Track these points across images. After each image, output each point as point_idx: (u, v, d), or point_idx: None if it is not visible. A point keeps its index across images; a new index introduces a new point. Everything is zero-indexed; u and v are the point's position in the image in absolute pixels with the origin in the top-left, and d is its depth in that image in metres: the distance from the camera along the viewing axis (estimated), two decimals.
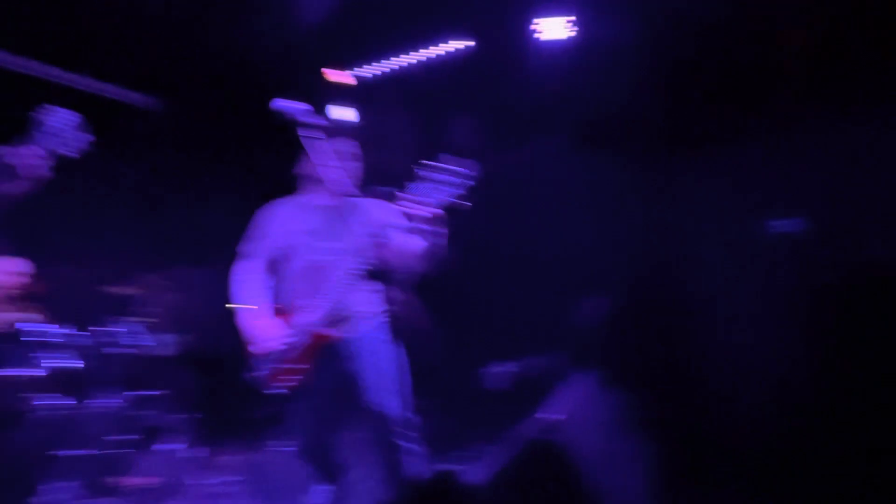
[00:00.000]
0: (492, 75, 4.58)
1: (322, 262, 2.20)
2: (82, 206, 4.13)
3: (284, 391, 2.20)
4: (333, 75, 4.86)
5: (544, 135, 4.38)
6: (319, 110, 4.91)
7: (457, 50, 4.72)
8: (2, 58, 3.83)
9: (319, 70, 4.86)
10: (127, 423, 2.81)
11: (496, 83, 4.58)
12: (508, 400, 3.78)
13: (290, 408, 2.29)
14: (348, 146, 2.34)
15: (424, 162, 2.01)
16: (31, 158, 1.44)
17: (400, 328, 3.21)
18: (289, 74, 4.52)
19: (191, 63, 4.56)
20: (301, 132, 1.78)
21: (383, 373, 2.23)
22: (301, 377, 2.18)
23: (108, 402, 2.82)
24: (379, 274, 2.33)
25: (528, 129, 4.56)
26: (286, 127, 1.86)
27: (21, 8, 3.58)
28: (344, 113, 5.00)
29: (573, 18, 4.21)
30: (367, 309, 2.29)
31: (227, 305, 2.35)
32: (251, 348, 2.21)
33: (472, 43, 4.67)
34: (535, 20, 4.23)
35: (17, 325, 2.64)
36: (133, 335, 3.18)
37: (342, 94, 4.92)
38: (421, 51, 4.80)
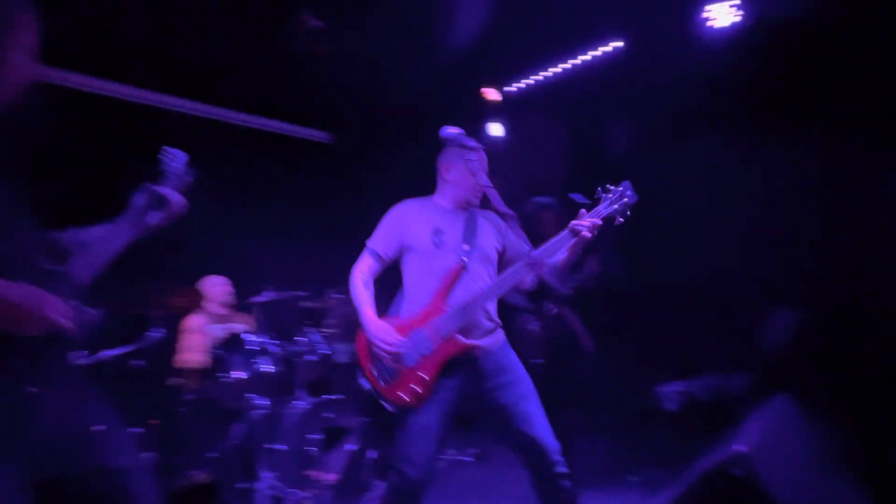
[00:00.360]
0: (654, 72, 4.32)
1: (453, 267, 2.03)
2: (272, 231, 4.79)
3: (400, 404, 1.93)
4: (490, 93, 4.99)
5: (716, 132, 4.00)
6: (478, 129, 5.10)
7: (614, 49, 4.55)
8: (189, 105, 4.59)
9: (475, 90, 5.02)
10: (312, 423, 3.10)
11: (659, 80, 4.31)
12: (681, 424, 3.48)
13: (405, 424, 1.97)
14: (499, 161, 2.33)
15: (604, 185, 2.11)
16: (170, 196, 1.58)
17: (550, 345, 3.12)
18: (446, 98, 4.75)
19: (357, 97, 5.03)
20: (460, 154, 1.82)
21: (527, 393, 2.03)
22: (424, 390, 1.91)
23: (297, 403, 3.15)
24: (525, 288, 2.21)
25: (697, 127, 4.20)
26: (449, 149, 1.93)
27: (202, 60, 4.22)
28: (499, 129, 5.11)
29: (738, 2, 3.82)
30: (498, 322, 2.13)
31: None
32: (373, 348, 1.97)
33: (629, 41, 4.46)
34: (706, 7, 3.91)
35: (241, 335, 3.13)
36: (315, 344, 3.52)
37: (500, 111, 5.03)
38: (578, 57, 4.72)
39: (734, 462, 1.70)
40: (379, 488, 3.25)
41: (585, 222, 1.98)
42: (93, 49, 3.90)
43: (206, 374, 3.26)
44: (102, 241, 1.42)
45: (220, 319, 3.72)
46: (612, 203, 2.06)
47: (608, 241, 3.30)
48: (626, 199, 2.07)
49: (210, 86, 4.62)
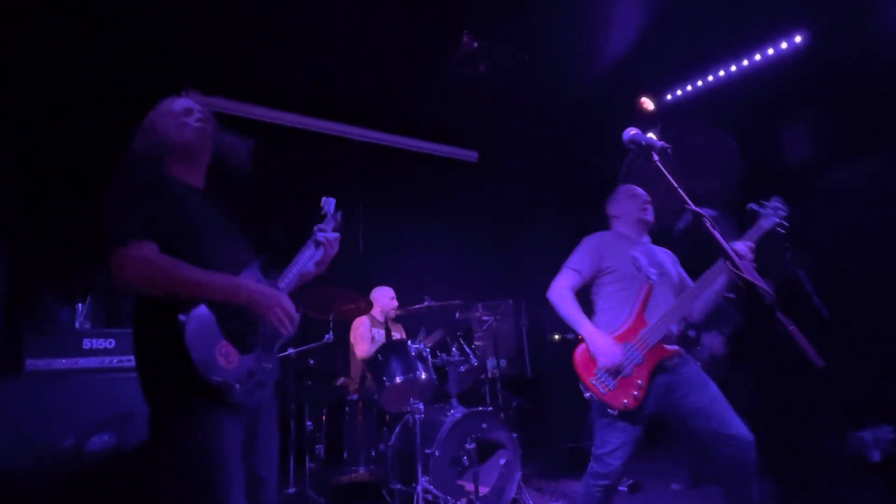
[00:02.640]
0: (838, 69, 3.78)
1: (647, 286, 2.27)
2: (429, 251, 5.03)
3: (622, 408, 2.12)
4: (646, 103, 4.79)
5: None
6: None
7: (791, 45, 4.09)
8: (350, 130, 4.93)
9: (629, 100, 4.84)
10: (464, 433, 3.13)
11: (843, 77, 3.77)
12: (889, 480, 2.94)
13: (609, 428, 2.19)
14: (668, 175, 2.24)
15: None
16: (330, 234, 1.87)
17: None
18: (600, 110, 4.61)
19: (504, 114, 5.12)
20: (641, 161, 1.72)
21: (717, 395, 2.18)
22: (641, 394, 2.13)
23: (450, 412, 3.22)
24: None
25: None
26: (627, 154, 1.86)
27: (349, 84, 4.50)
28: (657, 137, 4.85)
29: None
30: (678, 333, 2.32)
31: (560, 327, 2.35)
32: (599, 361, 2.16)
33: (811, 32, 3.98)
34: None
35: (401, 341, 3.32)
36: (466, 356, 3.59)
37: (656, 120, 4.78)
38: (746, 58, 4.33)
39: None
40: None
41: (741, 247, 2.18)
42: (253, 78, 4.28)
43: (368, 376, 3.49)
44: (292, 265, 1.76)
45: (383, 325, 3.97)
46: (769, 217, 2.27)
47: (790, 257, 2.94)
48: (781, 212, 2.28)
49: (368, 110, 4.96)
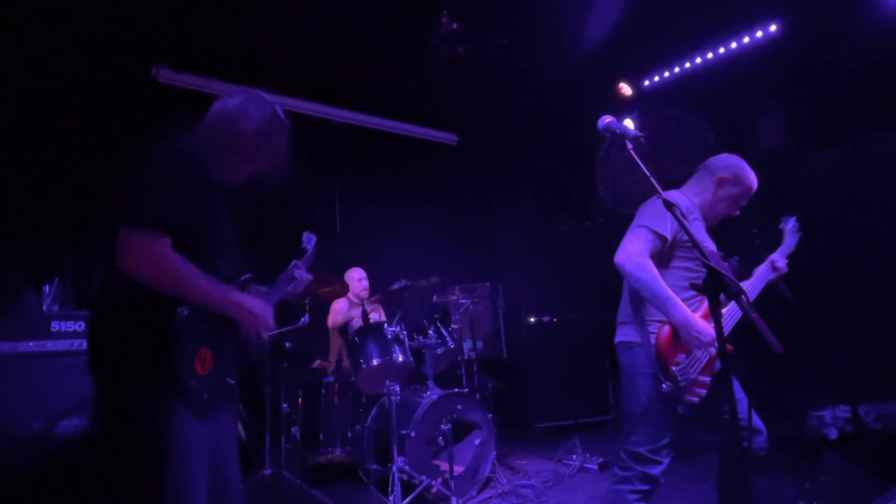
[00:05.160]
0: (816, 59, 3.85)
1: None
2: (407, 233, 5.02)
3: (691, 405, 1.83)
4: (624, 89, 4.81)
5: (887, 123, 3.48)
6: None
7: (767, 33, 4.13)
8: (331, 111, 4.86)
9: (608, 86, 4.86)
10: (440, 414, 3.17)
11: (820, 66, 3.83)
12: (845, 457, 3.07)
13: (665, 419, 1.89)
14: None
15: None
16: (303, 273, 1.87)
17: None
18: (578, 95, 4.61)
19: (483, 98, 5.10)
20: (621, 145, 1.69)
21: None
22: (706, 391, 1.85)
23: (426, 393, 3.25)
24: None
25: (866, 118, 3.68)
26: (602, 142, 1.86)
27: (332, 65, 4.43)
28: (633, 125, 4.89)
29: None
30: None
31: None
32: (696, 347, 1.81)
33: (785, 22, 4.02)
34: None
35: (378, 323, 3.32)
36: (443, 338, 3.62)
37: (635, 106, 4.81)
38: (722, 46, 4.36)
39: None
40: (500, 486, 3.28)
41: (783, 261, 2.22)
42: (230, 57, 4.12)
43: (345, 358, 3.49)
44: (272, 291, 1.80)
45: (358, 308, 3.97)
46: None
47: (758, 244, 3.02)
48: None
49: (346, 91, 4.88)
